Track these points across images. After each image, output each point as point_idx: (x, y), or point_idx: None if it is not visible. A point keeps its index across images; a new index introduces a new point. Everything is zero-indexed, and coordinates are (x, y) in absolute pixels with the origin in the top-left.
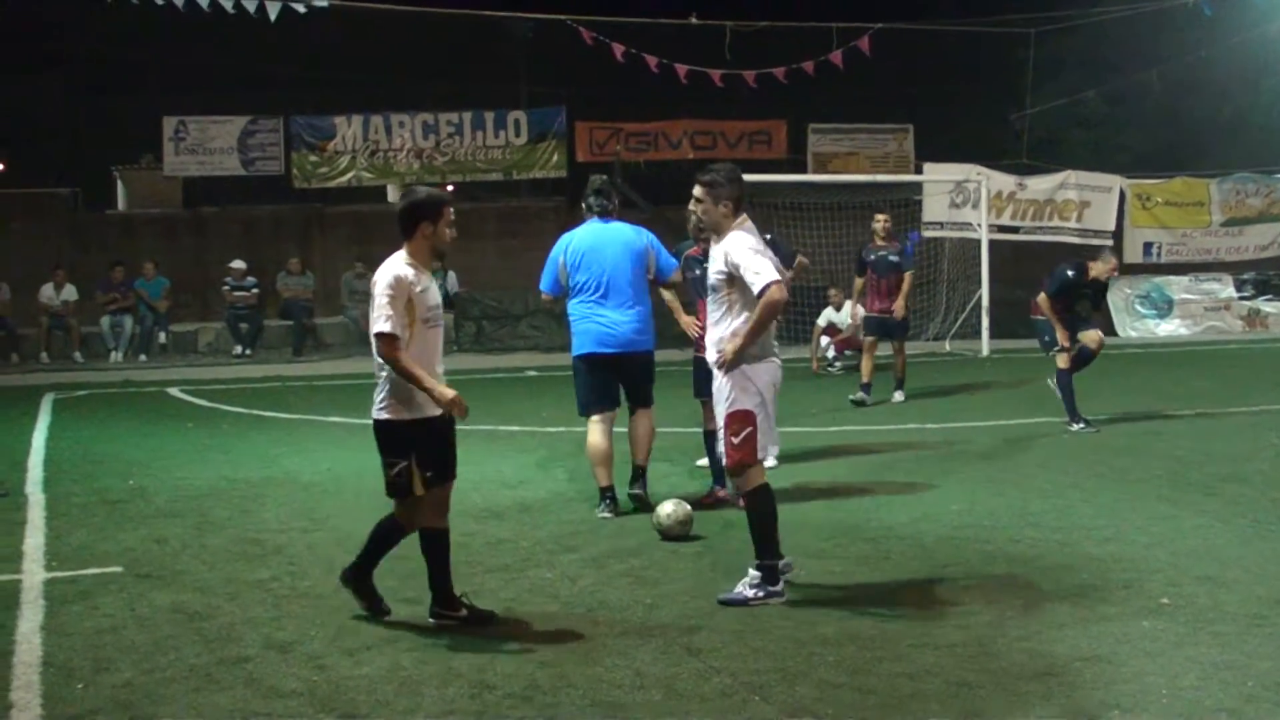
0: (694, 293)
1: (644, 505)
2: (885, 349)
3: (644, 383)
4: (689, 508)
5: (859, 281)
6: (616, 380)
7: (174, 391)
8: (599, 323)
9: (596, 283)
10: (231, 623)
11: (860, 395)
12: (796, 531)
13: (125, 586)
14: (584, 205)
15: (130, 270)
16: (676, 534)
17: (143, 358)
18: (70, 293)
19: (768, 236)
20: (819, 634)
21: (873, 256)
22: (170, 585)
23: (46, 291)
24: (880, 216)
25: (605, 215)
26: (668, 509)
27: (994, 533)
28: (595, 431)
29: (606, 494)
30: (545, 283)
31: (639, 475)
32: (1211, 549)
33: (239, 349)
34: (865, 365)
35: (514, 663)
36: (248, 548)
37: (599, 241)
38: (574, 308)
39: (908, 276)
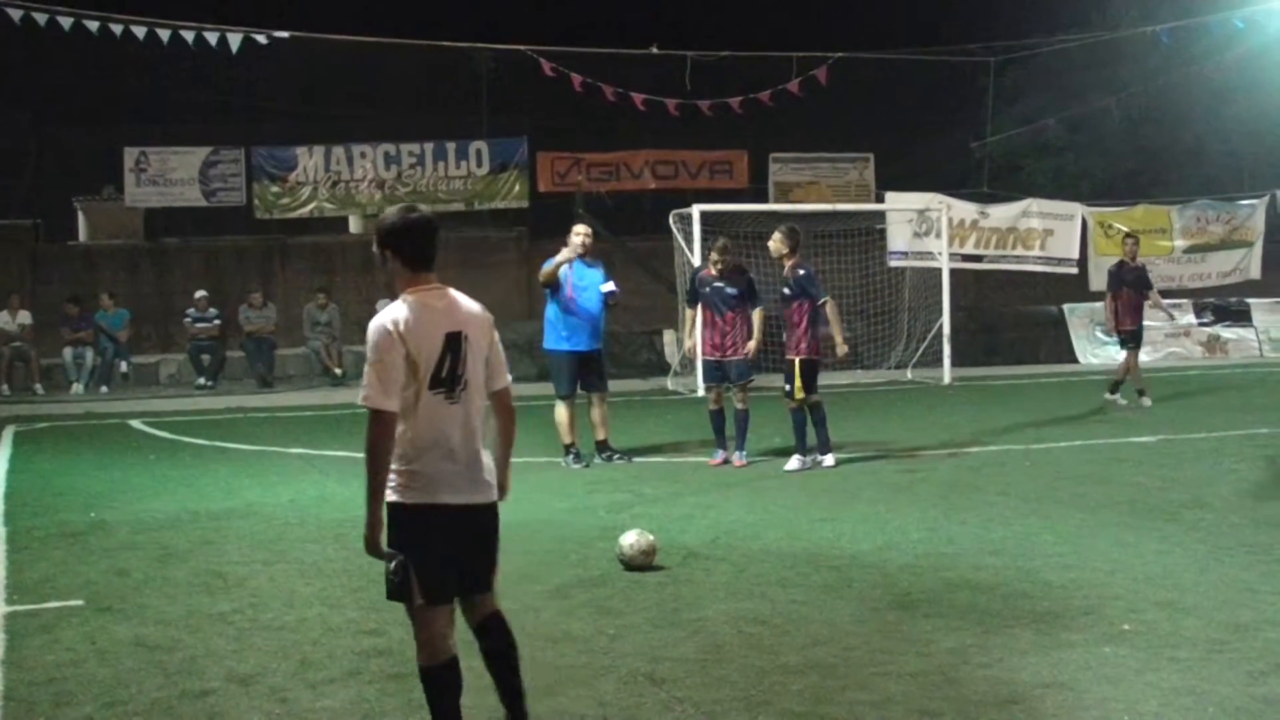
0: (710, 307)
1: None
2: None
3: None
4: (652, 538)
5: (1112, 299)
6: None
7: (136, 423)
8: None
9: None
10: (193, 656)
11: (1145, 400)
12: (760, 560)
13: (86, 620)
14: None
15: (89, 303)
16: (639, 564)
17: (104, 389)
18: (25, 317)
19: (800, 272)
20: (782, 663)
21: (1130, 278)
22: (131, 618)
23: (3, 318)
24: (1129, 240)
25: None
26: (630, 539)
27: (956, 560)
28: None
29: (572, 449)
30: None
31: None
32: (1172, 575)
33: (201, 381)
34: (1126, 370)
35: (477, 694)
36: (209, 580)
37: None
38: None
39: (1154, 294)
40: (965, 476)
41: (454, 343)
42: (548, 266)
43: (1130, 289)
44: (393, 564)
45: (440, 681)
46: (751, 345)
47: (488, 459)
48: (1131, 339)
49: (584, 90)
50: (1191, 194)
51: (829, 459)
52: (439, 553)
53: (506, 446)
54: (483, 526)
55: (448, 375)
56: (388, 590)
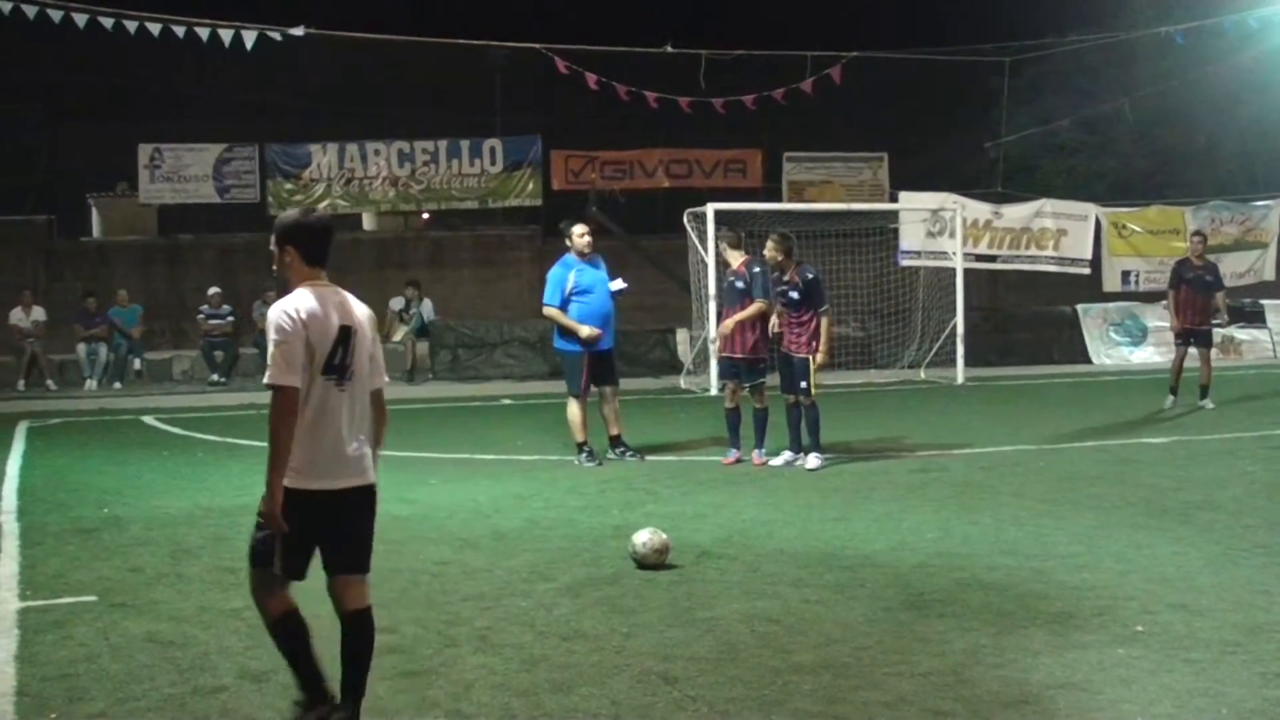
0: (724, 300)
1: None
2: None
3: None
4: (665, 536)
5: (1173, 294)
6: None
7: (149, 420)
8: None
9: None
10: (206, 652)
11: (1171, 399)
12: (773, 560)
13: (100, 615)
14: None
15: (103, 299)
16: (652, 562)
17: (117, 386)
18: (39, 314)
19: (809, 275)
20: (795, 662)
21: (1190, 275)
22: (145, 614)
23: (16, 315)
24: (1196, 237)
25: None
26: (643, 538)
27: (969, 560)
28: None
29: (585, 447)
30: None
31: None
32: (1186, 576)
33: (214, 377)
34: (1176, 371)
35: (490, 692)
36: (222, 576)
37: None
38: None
39: (1219, 296)
40: (978, 476)
41: (346, 335)
42: (554, 313)
43: (1190, 287)
44: (261, 535)
45: (290, 629)
46: (728, 323)
47: (367, 444)
48: (1190, 338)
49: (598, 88)
50: (1205, 195)
51: (814, 459)
52: (306, 535)
53: (377, 442)
54: (359, 507)
55: (339, 364)
56: (250, 555)
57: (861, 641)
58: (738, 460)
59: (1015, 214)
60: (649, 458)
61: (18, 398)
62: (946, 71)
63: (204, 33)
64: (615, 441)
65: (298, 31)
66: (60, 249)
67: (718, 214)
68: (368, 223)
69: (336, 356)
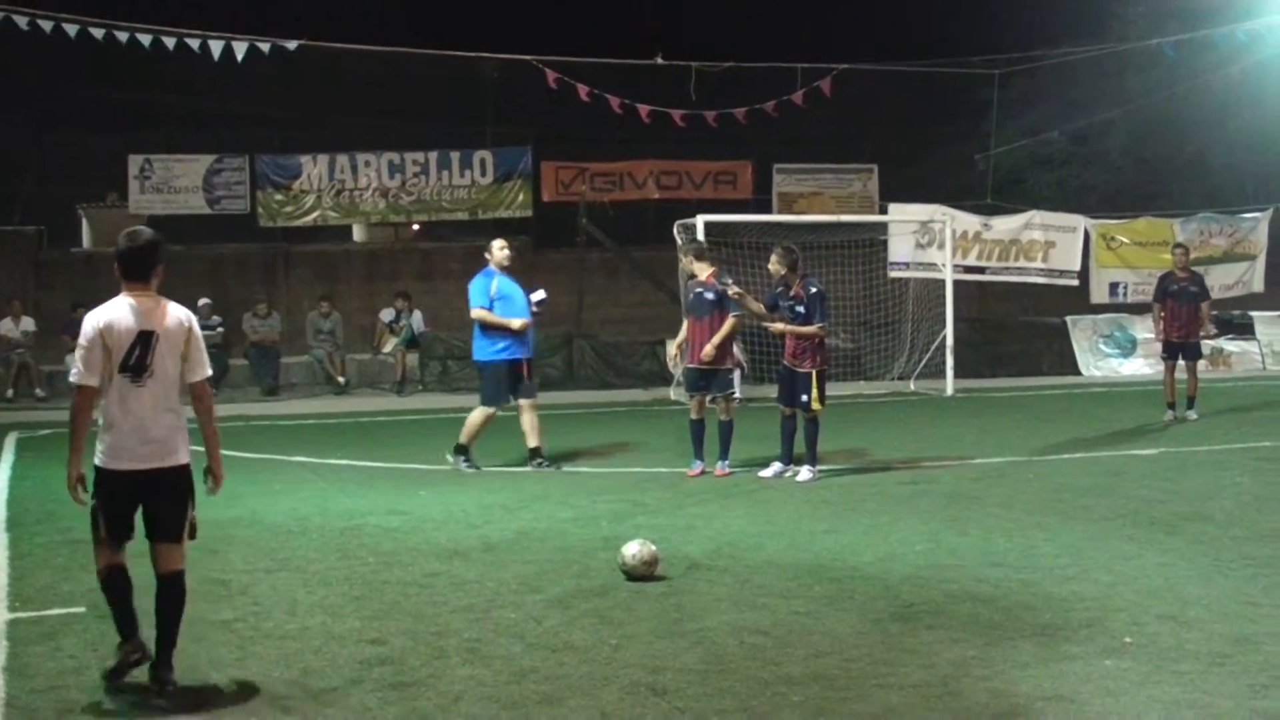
0: (692, 313)
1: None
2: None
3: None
4: (654, 548)
5: (1157, 308)
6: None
7: None
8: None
9: None
10: (196, 664)
11: (1170, 415)
12: (762, 571)
13: (89, 627)
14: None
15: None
16: (641, 574)
17: None
18: (28, 324)
19: (813, 290)
20: (784, 674)
21: (1175, 288)
22: None
23: (6, 325)
24: (1178, 249)
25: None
26: (633, 549)
27: (958, 572)
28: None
29: (466, 452)
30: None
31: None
32: (1174, 588)
33: None
34: (1169, 386)
35: (478, 703)
36: (212, 588)
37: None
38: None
39: (1204, 305)
40: (967, 488)
41: (145, 339)
42: (483, 314)
43: (1175, 300)
44: (90, 508)
45: (116, 581)
46: (708, 347)
47: (176, 433)
48: (1179, 352)
49: (589, 100)
50: (1194, 207)
51: (806, 473)
52: (120, 505)
53: (209, 434)
54: (166, 485)
55: (135, 363)
56: (90, 527)
57: (850, 653)
58: (702, 473)
59: (1004, 226)
60: (638, 470)
61: (7, 408)
62: (936, 84)
63: (194, 44)
64: (534, 454)
65: (290, 44)
66: (50, 259)
67: (708, 225)
68: (358, 234)
69: (133, 357)
